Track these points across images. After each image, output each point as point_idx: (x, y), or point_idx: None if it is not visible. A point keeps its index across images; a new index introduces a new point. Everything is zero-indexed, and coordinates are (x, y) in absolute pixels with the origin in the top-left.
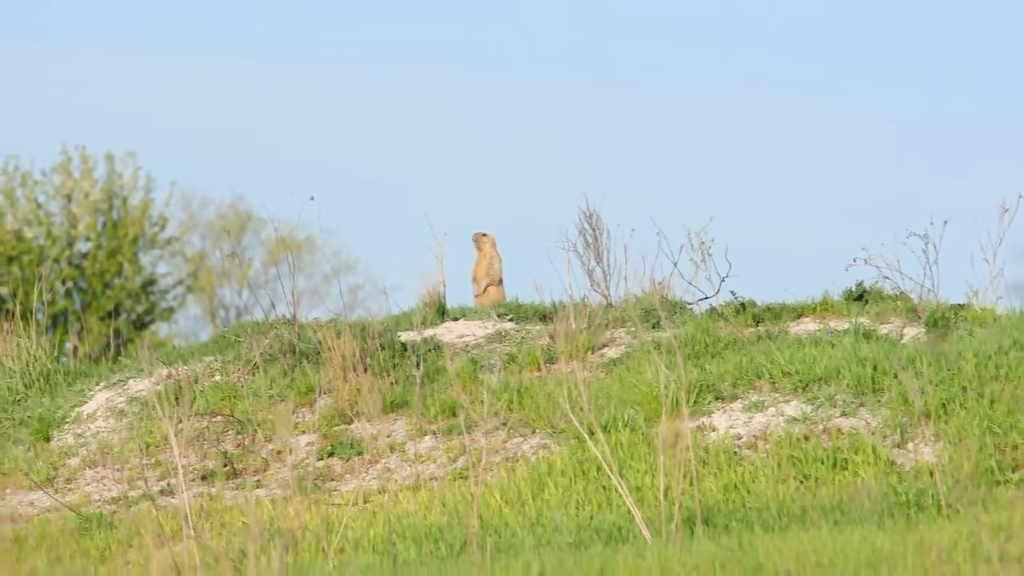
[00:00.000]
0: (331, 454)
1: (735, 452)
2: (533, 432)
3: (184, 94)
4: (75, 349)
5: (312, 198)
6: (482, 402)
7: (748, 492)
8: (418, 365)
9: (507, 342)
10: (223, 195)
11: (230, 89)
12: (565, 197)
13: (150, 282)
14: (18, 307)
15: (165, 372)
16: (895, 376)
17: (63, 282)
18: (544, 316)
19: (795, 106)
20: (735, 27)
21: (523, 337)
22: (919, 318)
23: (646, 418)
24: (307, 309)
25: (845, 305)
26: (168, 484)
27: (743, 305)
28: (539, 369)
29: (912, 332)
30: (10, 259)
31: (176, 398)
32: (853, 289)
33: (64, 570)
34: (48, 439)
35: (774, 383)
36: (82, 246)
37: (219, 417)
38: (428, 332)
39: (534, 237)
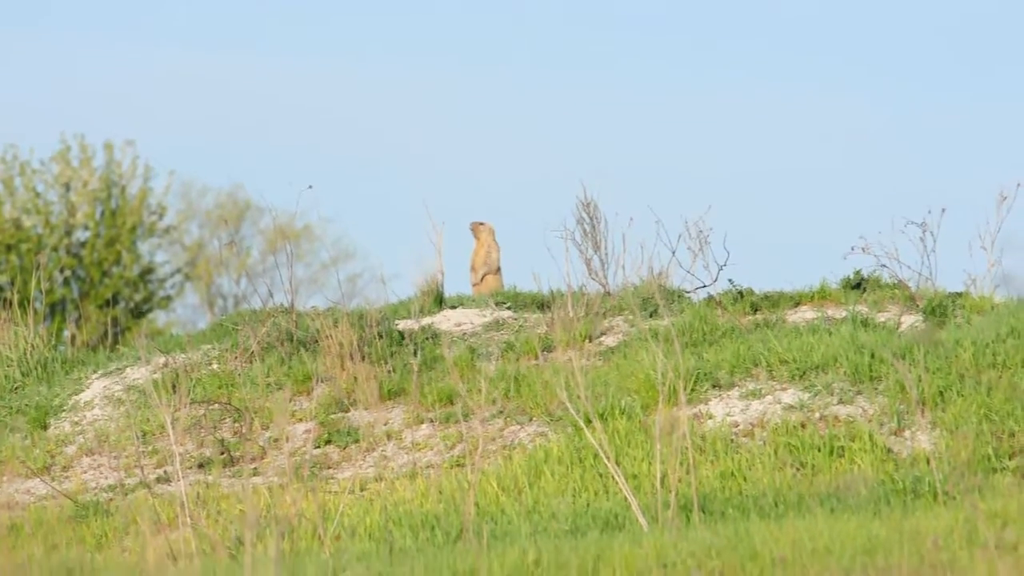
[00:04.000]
0: (328, 442)
1: (732, 440)
2: (530, 420)
3: (183, 82)
4: (73, 337)
5: (310, 187)
6: (479, 390)
7: (745, 479)
8: (415, 353)
9: (505, 330)
10: (222, 184)
11: (229, 78)
12: (563, 186)
13: (148, 271)
14: (16, 295)
15: (162, 360)
16: (892, 364)
17: (61, 271)
18: (542, 305)
19: (793, 95)
20: (732, 17)
21: (520, 325)
22: (917, 306)
23: (643, 406)
24: (305, 297)
25: (843, 293)
26: (165, 472)
27: (741, 293)
28: (536, 357)
29: (910, 320)
30: (8, 248)
31: (173, 386)
32: (851, 277)
33: (60, 558)
34: (45, 427)
35: (771, 371)
36: (80, 235)
37: (216, 405)
38: (426, 320)
39: (532, 226)
